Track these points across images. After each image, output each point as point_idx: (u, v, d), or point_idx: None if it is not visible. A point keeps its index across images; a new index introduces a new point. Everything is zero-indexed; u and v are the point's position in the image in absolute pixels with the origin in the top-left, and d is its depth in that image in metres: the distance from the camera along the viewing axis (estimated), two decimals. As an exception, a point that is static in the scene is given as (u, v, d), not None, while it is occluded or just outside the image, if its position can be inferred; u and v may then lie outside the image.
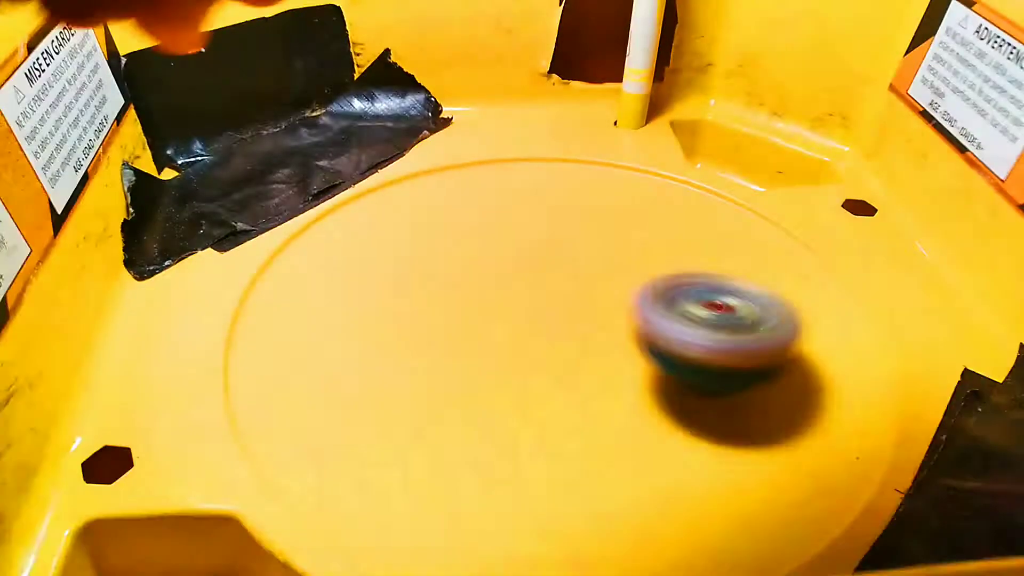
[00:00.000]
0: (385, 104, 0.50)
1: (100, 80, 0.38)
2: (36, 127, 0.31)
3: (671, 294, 0.31)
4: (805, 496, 0.29)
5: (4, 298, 0.27)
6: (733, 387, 0.31)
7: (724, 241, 0.41)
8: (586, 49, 0.49)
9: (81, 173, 0.34)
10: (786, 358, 0.30)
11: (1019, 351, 0.33)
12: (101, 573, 0.28)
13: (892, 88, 0.43)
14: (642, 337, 0.30)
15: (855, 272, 0.38)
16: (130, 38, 0.41)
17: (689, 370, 0.29)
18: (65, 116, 0.34)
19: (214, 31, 0.44)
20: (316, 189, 0.43)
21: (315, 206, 0.42)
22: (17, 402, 0.27)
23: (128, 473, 0.28)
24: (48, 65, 0.33)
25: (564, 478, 0.29)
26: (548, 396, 0.32)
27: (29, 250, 0.29)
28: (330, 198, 0.42)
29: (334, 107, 0.50)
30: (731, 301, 0.31)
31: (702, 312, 0.29)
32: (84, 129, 0.35)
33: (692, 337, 0.28)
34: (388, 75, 0.49)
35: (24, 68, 0.31)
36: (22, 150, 0.30)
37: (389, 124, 0.49)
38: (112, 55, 0.40)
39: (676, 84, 0.51)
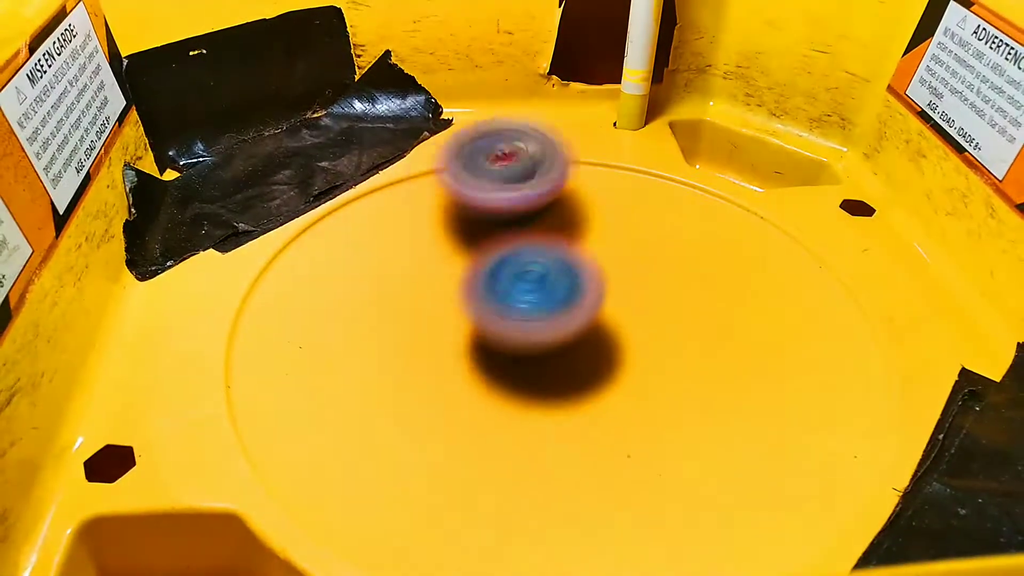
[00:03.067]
0: (386, 105, 0.50)
1: (102, 81, 0.38)
2: (38, 128, 0.31)
3: (467, 149, 0.39)
4: (804, 496, 0.29)
5: (6, 298, 0.27)
6: (523, 225, 0.40)
7: (723, 242, 0.41)
8: (585, 50, 0.50)
9: (83, 174, 0.35)
10: (557, 195, 0.39)
11: (1017, 351, 0.34)
12: (102, 571, 0.28)
13: (890, 89, 0.44)
14: (447, 193, 0.39)
15: (854, 273, 0.38)
16: (132, 39, 0.41)
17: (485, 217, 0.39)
18: (67, 117, 0.34)
19: (216, 32, 0.44)
20: (317, 190, 0.43)
21: (316, 207, 0.42)
22: (20, 401, 0.27)
23: (130, 472, 0.28)
24: (50, 66, 0.33)
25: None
26: (547, 394, 0.32)
27: (31, 251, 0.29)
28: (331, 199, 0.42)
29: (335, 108, 0.50)
30: (512, 148, 0.39)
31: (492, 167, 0.38)
32: (86, 130, 0.36)
33: (482, 193, 0.37)
34: (389, 76, 0.50)
35: (26, 69, 0.31)
36: (24, 151, 0.30)
37: (390, 125, 0.49)
38: (114, 56, 0.40)
39: (675, 85, 0.51)
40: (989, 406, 0.31)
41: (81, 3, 0.37)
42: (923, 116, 0.41)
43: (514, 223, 0.39)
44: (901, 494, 0.28)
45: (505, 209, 0.37)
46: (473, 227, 0.41)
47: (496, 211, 0.38)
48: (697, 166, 0.51)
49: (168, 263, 0.38)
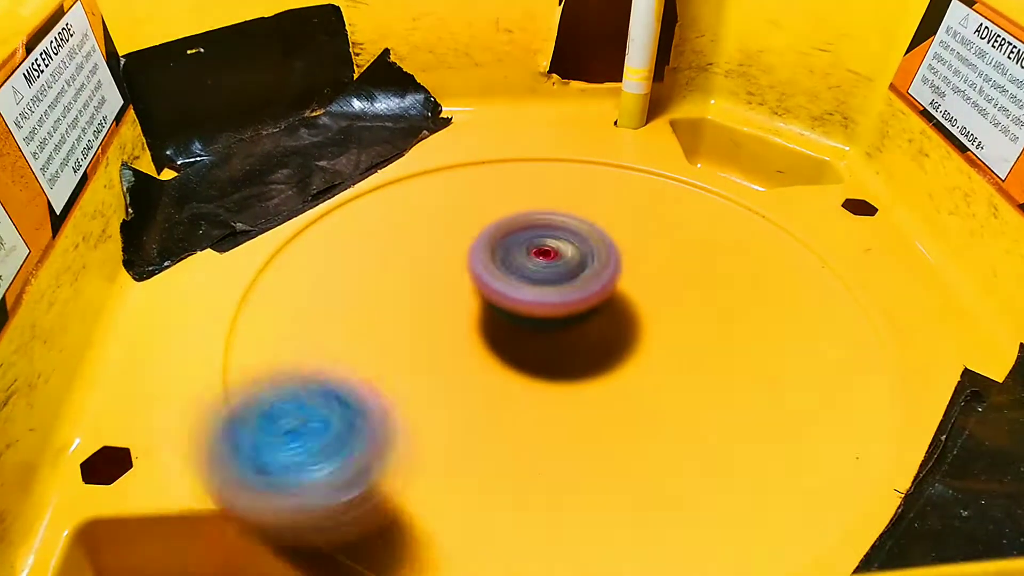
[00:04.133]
0: (385, 104, 0.50)
1: (99, 80, 0.38)
2: (35, 127, 0.31)
3: (503, 243, 0.33)
4: (805, 496, 0.29)
5: (3, 298, 0.27)
6: (563, 327, 0.34)
7: (724, 241, 0.41)
8: (586, 49, 0.49)
9: (80, 174, 0.34)
10: (605, 300, 0.32)
11: (1019, 351, 0.33)
12: (99, 573, 0.28)
13: (892, 87, 0.43)
14: (477, 290, 0.32)
15: (856, 272, 0.38)
16: (129, 38, 0.41)
17: (515, 318, 0.32)
18: (64, 117, 0.34)
19: (214, 31, 0.44)
20: (316, 189, 0.43)
21: (315, 206, 0.42)
22: (16, 402, 0.27)
23: (127, 473, 0.28)
24: (47, 65, 0.33)
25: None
26: (548, 392, 0.32)
27: (28, 251, 0.29)
28: (330, 198, 0.42)
29: (333, 107, 0.50)
30: (556, 244, 0.33)
31: (530, 264, 0.32)
32: (83, 130, 0.35)
33: (517, 293, 0.31)
34: (388, 75, 0.49)
35: (23, 68, 0.31)
36: (21, 151, 0.30)
37: (389, 124, 0.49)
38: (111, 56, 0.40)
39: (676, 83, 0.51)
40: (992, 407, 0.31)
41: (78, 2, 0.37)
42: (925, 115, 0.41)
43: (549, 328, 0.34)
44: (903, 495, 0.28)
45: (539, 313, 0.31)
46: (502, 330, 0.35)
47: (529, 313, 0.31)
48: (698, 165, 0.51)
49: (165, 263, 0.38)
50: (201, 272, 0.37)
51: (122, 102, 0.40)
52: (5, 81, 0.30)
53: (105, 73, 0.39)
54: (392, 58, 0.49)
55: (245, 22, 0.45)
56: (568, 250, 0.33)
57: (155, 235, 0.39)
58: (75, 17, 0.36)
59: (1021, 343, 0.34)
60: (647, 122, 0.50)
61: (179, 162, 0.45)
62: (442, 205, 0.43)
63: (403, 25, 0.48)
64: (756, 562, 0.27)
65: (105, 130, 0.38)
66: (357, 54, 0.49)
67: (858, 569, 0.26)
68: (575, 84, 0.51)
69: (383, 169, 0.45)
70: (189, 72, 0.44)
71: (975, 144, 0.37)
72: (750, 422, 0.31)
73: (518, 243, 0.33)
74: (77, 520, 0.27)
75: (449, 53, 0.49)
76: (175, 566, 0.29)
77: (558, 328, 0.34)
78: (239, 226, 0.40)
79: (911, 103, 0.42)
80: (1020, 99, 0.35)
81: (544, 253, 0.33)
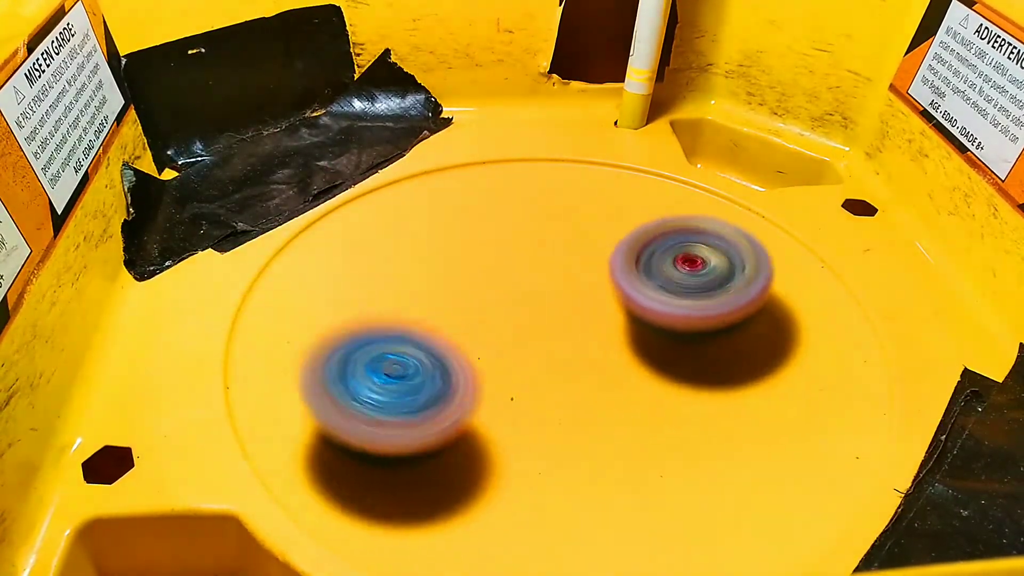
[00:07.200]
0: (385, 104, 0.50)
1: (100, 81, 0.38)
2: (36, 127, 0.31)
3: (647, 251, 0.32)
4: (805, 496, 0.29)
5: (5, 298, 0.27)
6: (708, 338, 0.33)
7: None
8: (586, 49, 0.49)
9: (81, 174, 0.34)
10: (756, 310, 0.31)
11: (1019, 351, 0.33)
12: (101, 573, 0.28)
13: (892, 88, 0.43)
14: (620, 302, 0.32)
15: (856, 272, 0.38)
16: (130, 38, 0.41)
17: (662, 331, 0.32)
18: (65, 117, 0.34)
19: (215, 31, 0.44)
20: (316, 189, 0.43)
21: (315, 206, 0.42)
22: (18, 402, 0.27)
23: (128, 473, 0.28)
24: (48, 66, 0.33)
25: (577, 478, 0.29)
26: (547, 392, 0.32)
27: (29, 250, 0.29)
28: (330, 198, 0.42)
29: (334, 107, 0.50)
30: (704, 252, 0.32)
31: (675, 273, 0.31)
32: (84, 130, 0.35)
33: (663, 307, 0.30)
34: (388, 75, 0.50)
35: (24, 69, 0.31)
36: (22, 151, 0.30)
37: (389, 124, 0.49)
38: (112, 56, 0.40)
39: (677, 84, 0.51)
40: (991, 407, 0.31)
41: (79, 2, 0.37)
42: (925, 115, 0.41)
43: (691, 339, 0.33)
44: (903, 495, 0.28)
45: (681, 325, 0.31)
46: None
47: (669, 325, 0.31)
48: (699, 165, 0.51)
49: (167, 263, 0.38)
50: (202, 272, 0.37)
51: (123, 102, 0.40)
52: (7, 81, 0.30)
53: (106, 73, 0.39)
54: (393, 58, 0.49)
55: (246, 22, 0.45)
56: (713, 258, 0.32)
57: (156, 235, 0.39)
58: (76, 17, 0.36)
59: (1021, 343, 0.34)
60: (647, 123, 0.50)
61: (180, 162, 0.45)
62: (443, 205, 0.43)
63: (404, 25, 0.48)
64: (756, 561, 0.27)
65: (106, 130, 0.38)
66: (358, 54, 0.49)
67: (858, 568, 0.26)
68: (575, 84, 0.51)
69: (384, 169, 0.45)
70: (190, 72, 0.44)
71: (975, 144, 0.37)
72: (750, 422, 0.31)
73: (663, 250, 0.32)
74: (79, 519, 0.27)
75: (450, 53, 0.49)
76: (177, 565, 0.29)
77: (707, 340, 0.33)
78: (240, 226, 0.40)
79: (911, 103, 0.42)
80: (1020, 99, 0.35)
81: (691, 261, 0.32)
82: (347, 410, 0.26)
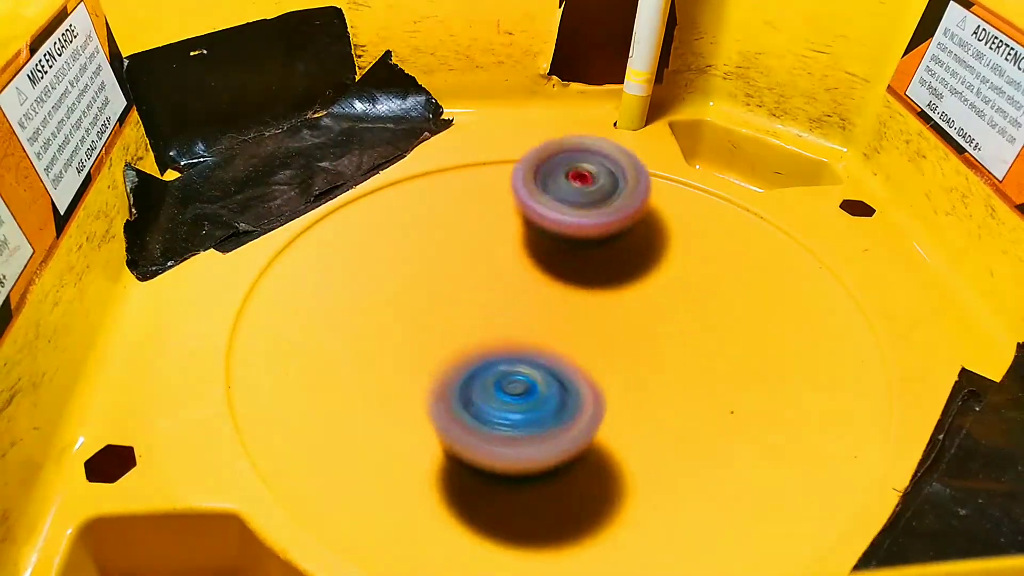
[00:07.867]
0: (386, 106, 0.50)
1: (103, 82, 0.38)
2: (39, 129, 0.31)
3: (544, 167, 0.37)
4: (803, 495, 0.29)
5: (7, 298, 0.27)
6: (596, 246, 0.38)
7: (722, 242, 0.41)
8: (586, 51, 0.50)
9: (84, 174, 0.35)
10: (636, 221, 0.36)
11: (1017, 351, 0.34)
12: (103, 571, 0.28)
13: (890, 89, 0.44)
14: (521, 213, 0.37)
15: (854, 273, 0.38)
16: (133, 40, 0.41)
17: (556, 238, 0.36)
18: (68, 118, 0.34)
19: (217, 33, 0.44)
20: (318, 190, 0.43)
21: (317, 207, 0.42)
22: (20, 401, 0.27)
23: (131, 472, 0.28)
24: (51, 67, 0.33)
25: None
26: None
27: (32, 251, 0.29)
28: (332, 199, 0.42)
29: (336, 109, 0.50)
30: (592, 168, 0.37)
31: (567, 186, 0.36)
32: (87, 131, 0.36)
33: (557, 215, 0.35)
34: (389, 77, 0.50)
35: (27, 70, 0.31)
36: (25, 152, 0.30)
37: (390, 126, 0.49)
38: (115, 57, 0.40)
39: (675, 85, 0.51)
40: (989, 406, 0.31)
41: (82, 3, 0.37)
42: (923, 116, 0.41)
43: (582, 246, 0.38)
44: (901, 494, 0.28)
45: (576, 234, 0.35)
46: (539, 244, 0.40)
47: (567, 235, 0.36)
48: (697, 166, 0.51)
49: (169, 263, 0.38)
50: (204, 272, 0.38)
51: (125, 103, 0.41)
52: (9, 82, 0.30)
53: (108, 74, 0.39)
54: (393, 60, 0.49)
55: (248, 24, 0.45)
56: (601, 175, 0.37)
57: (158, 235, 0.40)
58: (79, 18, 0.36)
59: (1019, 343, 0.34)
60: (646, 124, 0.50)
61: (182, 163, 0.45)
62: (444, 205, 0.43)
63: (404, 28, 0.48)
64: (754, 560, 0.27)
65: (108, 131, 0.38)
66: (359, 56, 0.49)
67: (856, 567, 0.26)
68: (575, 86, 0.51)
69: (385, 170, 0.45)
70: (192, 73, 0.44)
71: (972, 145, 0.37)
72: (748, 421, 0.32)
73: (556, 167, 0.37)
74: (81, 518, 0.27)
75: (450, 55, 0.49)
76: (179, 564, 0.29)
77: (593, 247, 0.38)
78: (242, 226, 0.40)
79: (909, 105, 0.42)
80: (1017, 101, 0.35)
81: (580, 177, 0.37)
82: (481, 431, 0.26)
